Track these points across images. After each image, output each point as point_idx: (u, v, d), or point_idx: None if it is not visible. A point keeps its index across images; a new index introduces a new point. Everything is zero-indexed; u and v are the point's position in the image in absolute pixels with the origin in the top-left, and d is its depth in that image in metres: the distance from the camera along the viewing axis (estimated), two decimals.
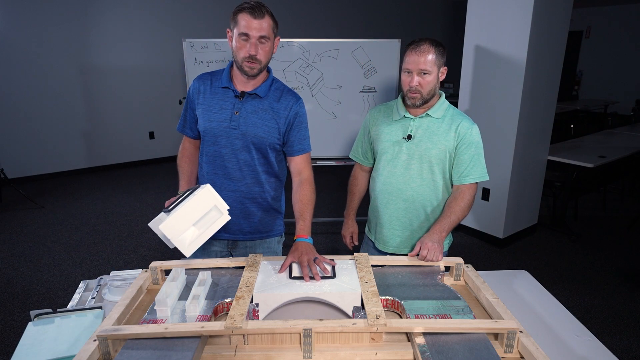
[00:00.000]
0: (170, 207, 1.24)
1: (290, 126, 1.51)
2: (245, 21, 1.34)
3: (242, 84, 1.48)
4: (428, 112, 1.55)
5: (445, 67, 1.50)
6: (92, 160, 5.66)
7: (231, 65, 1.51)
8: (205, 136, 1.51)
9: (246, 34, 1.35)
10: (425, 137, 1.54)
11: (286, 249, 1.81)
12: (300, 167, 1.56)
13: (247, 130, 1.47)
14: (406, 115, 1.57)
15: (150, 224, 1.29)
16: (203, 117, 1.50)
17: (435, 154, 1.54)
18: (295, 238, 1.40)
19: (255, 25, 1.34)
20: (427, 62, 1.43)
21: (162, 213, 1.28)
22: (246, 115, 1.47)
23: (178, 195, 1.34)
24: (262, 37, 1.36)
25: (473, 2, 3.34)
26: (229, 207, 1.30)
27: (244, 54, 1.38)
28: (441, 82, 1.53)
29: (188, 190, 1.31)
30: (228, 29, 1.42)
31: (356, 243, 1.85)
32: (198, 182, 1.64)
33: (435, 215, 1.60)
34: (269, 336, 1.03)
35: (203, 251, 1.63)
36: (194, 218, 1.22)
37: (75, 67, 5.28)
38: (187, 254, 1.20)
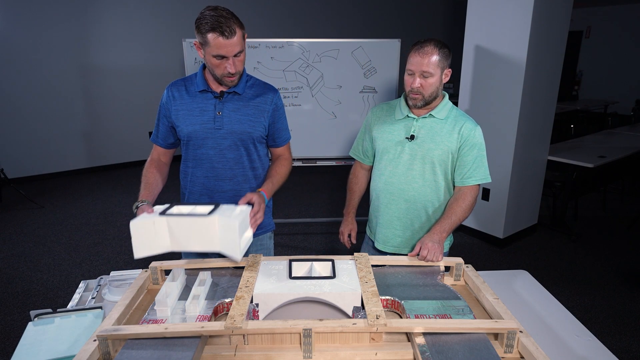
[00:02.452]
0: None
1: (273, 118, 1.57)
2: (217, 43, 1.31)
3: (219, 85, 1.49)
4: (431, 112, 1.54)
5: (450, 69, 1.49)
6: (92, 160, 5.66)
7: (203, 68, 1.51)
8: (190, 140, 1.51)
9: (222, 56, 1.34)
10: (428, 138, 1.54)
11: (277, 247, 1.81)
12: (281, 152, 1.66)
13: (232, 128, 1.49)
14: (409, 115, 1.56)
15: (168, 214, 1.18)
16: (184, 122, 1.49)
17: (438, 155, 1.53)
18: (258, 190, 1.44)
19: (229, 46, 1.32)
20: (430, 64, 1.42)
21: (158, 215, 1.19)
22: (229, 114, 1.49)
23: (169, 205, 1.27)
24: (237, 52, 1.36)
25: (473, 2, 3.34)
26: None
27: (222, 72, 1.38)
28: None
29: (194, 205, 1.26)
30: (195, 41, 1.38)
31: (354, 242, 1.84)
32: (185, 190, 1.62)
33: (436, 216, 1.60)
34: (269, 336, 1.03)
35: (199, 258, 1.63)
36: (243, 229, 1.21)
37: (75, 67, 5.28)
38: (240, 257, 1.17)
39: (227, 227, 1.15)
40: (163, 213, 1.19)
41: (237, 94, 1.50)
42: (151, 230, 1.17)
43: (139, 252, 1.18)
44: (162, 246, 1.18)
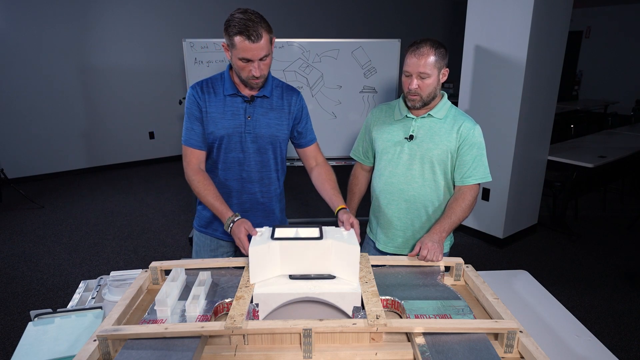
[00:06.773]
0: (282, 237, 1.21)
1: (298, 120, 1.59)
2: (244, 47, 1.32)
3: (245, 88, 1.49)
4: (430, 112, 1.54)
5: (447, 69, 1.48)
6: (92, 160, 5.66)
7: (229, 68, 1.51)
8: (221, 144, 1.51)
9: (247, 59, 1.35)
10: (427, 138, 1.54)
11: None
12: (314, 153, 1.66)
13: (261, 132, 1.51)
14: (408, 116, 1.57)
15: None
16: (215, 125, 1.49)
17: (437, 155, 1.53)
18: (340, 208, 1.45)
19: (255, 50, 1.33)
20: (426, 65, 1.42)
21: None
22: (258, 118, 1.50)
23: (272, 228, 1.27)
24: (262, 56, 1.36)
25: (473, 2, 3.34)
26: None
27: (247, 74, 1.39)
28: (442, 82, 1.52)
29: (294, 226, 1.27)
30: (223, 43, 1.39)
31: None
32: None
33: (436, 216, 1.60)
34: (269, 336, 1.03)
35: (211, 252, 1.65)
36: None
37: (75, 67, 5.28)
38: (357, 281, 1.17)
39: (344, 251, 1.16)
40: (272, 237, 1.20)
41: (266, 97, 1.51)
42: (266, 255, 1.17)
43: (255, 277, 1.17)
44: (274, 270, 1.20)
